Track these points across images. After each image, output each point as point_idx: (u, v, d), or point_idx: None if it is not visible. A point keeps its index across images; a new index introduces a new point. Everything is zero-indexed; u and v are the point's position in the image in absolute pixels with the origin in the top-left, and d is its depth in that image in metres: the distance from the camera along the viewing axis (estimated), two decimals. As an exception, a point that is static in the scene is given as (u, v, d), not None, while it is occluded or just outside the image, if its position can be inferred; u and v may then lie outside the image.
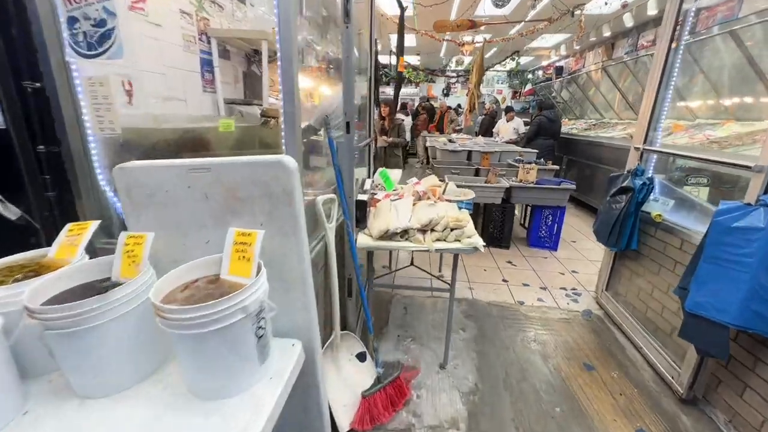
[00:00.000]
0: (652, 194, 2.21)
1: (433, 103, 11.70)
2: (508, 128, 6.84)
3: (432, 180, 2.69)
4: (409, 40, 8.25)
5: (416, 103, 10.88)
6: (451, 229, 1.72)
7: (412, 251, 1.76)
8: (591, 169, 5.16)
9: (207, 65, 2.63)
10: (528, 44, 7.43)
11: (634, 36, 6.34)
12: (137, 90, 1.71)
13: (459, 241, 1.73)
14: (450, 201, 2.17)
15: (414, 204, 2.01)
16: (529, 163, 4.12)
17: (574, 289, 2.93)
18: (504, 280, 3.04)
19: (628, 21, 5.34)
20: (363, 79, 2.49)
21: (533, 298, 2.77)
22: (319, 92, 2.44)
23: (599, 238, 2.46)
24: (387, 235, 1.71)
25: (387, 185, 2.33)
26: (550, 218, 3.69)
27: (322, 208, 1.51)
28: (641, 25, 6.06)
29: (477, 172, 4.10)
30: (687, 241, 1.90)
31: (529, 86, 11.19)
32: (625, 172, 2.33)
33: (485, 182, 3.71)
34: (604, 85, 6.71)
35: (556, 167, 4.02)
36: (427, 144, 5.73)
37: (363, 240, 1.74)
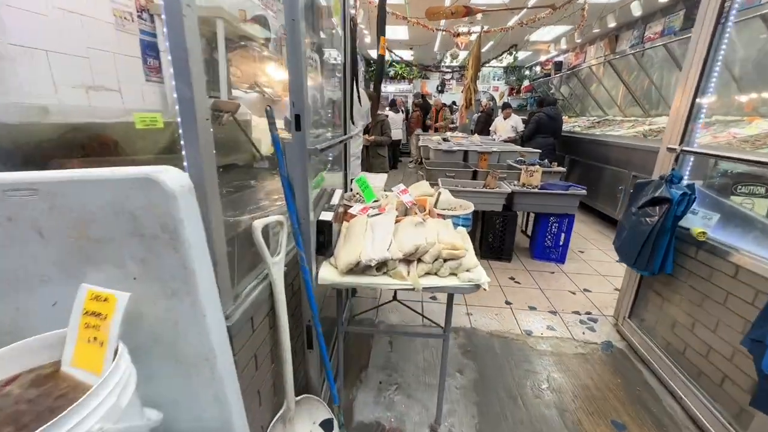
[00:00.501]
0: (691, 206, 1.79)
1: (428, 100, 11.28)
2: (505, 126, 6.43)
3: (422, 187, 2.26)
4: (401, 32, 7.80)
5: (410, 101, 10.44)
6: (445, 260, 1.29)
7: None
8: (596, 171, 4.76)
9: (150, 49, 2.15)
10: (527, 36, 7.02)
11: (640, 27, 5.95)
12: (10, 74, 1.25)
13: (455, 275, 1.29)
14: (443, 216, 1.73)
15: (398, 220, 1.57)
16: (532, 164, 3.70)
17: (588, 313, 2.51)
18: (507, 303, 2.62)
19: (636, 10, 4.94)
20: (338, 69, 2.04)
21: (542, 326, 2.34)
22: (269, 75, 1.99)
23: (623, 257, 2.04)
24: (358, 269, 1.26)
25: (366, 195, 1.89)
26: (556, 227, 3.28)
27: (261, 237, 1.06)
28: (648, 15, 5.67)
29: (474, 175, 3.67)
30: (746, 269, 1.48)
31: (526, 83, 10.80)
32: (657, 179, 1.91)
33: (484, 187, 3.28)
34: (607, 81, 6.32)
35: (563, 169, 3.61)
36: (420, 143, 5.29)
37: (327, 273, 1.29)
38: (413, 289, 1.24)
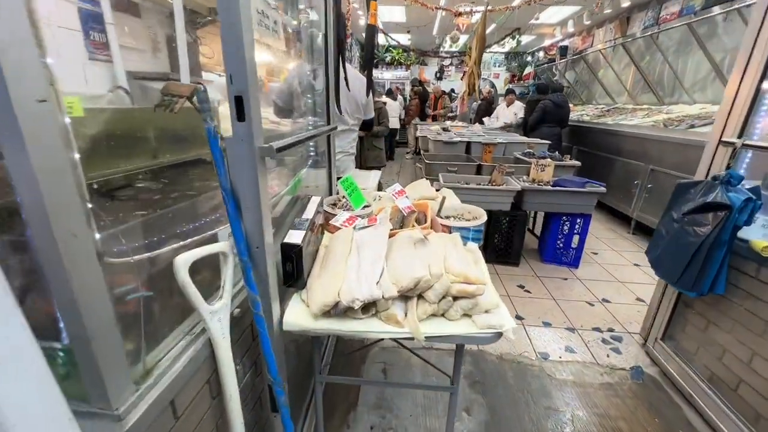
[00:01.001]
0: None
1: (426, 87, 10.81)
2: (507, 113, 6.05)
3: (422, 187, 1.91)
4: (398, 14, 7.31)
5: (407, 88, 9.96)
6: (455, 298, 0.95)
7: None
8: (608, 163, 4.42)
9: (94, 21, 1.76)
10: (532, 18, 6.57)
11: (654, 8, 5.53)
12: None
13: (469, 316, 0.96)
14: (449, 229, 1.38)
15: (392, 233, 1.23)
16: (543, 157, 3.35)
17: (611, 330, 2.20)
18: (518, 318, 2.30)
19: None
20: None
21: (560, 347, 2.03)
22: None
23: (662, 273, 1.72)
24: (338, 310, 0.93)
25: (353, 200, 1.54)
26: (568, 226, 2.95)
27: (188, 278, 0.72)
28: (665, -7, 5.25)
29: (479, 170, 3.31)
30: (836, 298, 1.16)
31: (528, 69, 10.35)
32: (709, 180, 1.57)
33: (489, 183, 2.93)
34: (617, 66, 5.93)
35: (578, 163, 3.26)
36: (418, 133, 4.91)
37: (296, 315, 0.96)
38: (412, 338, 0.91)
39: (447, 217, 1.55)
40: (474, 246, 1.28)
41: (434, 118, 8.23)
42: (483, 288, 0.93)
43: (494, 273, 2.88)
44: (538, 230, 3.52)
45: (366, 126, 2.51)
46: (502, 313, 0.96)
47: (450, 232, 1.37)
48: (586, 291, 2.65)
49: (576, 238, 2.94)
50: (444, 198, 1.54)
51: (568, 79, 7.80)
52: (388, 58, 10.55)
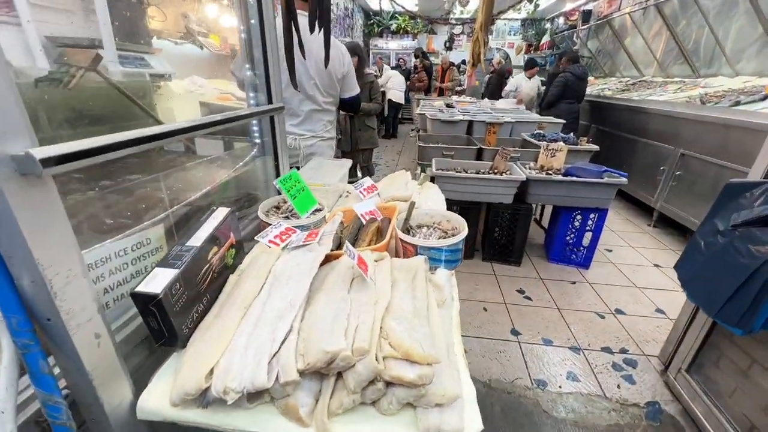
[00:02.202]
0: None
1: (433, 59, 10.08)
2: (530, 85, 5.49)
3: (399, 182, 1.55)
4: (402, -26, 6.61)
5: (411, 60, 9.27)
6: (388, 383, 0.62)
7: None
8: (629, 145, 3.91)
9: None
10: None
11: (696, -39, 4.76)
12: None
13: (413, 406, 0.63)
14: (414, 249, 1.03)
15: (332, 257, 0.89)
16: (554, 140, 2.90)
17: (624, 351, 1.86)
18: (515, 332, 1.97)
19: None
20: None
21: (561, 373, 1.71)
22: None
23: (696, 297, 1.35)
24: (207, 401, 0.61)
25: (299, 204, 1.19)
26: (580, 221, 2.55)
27: None
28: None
29: (480, 154, 2.90)
30: None
31: (546, 38, 9.49)
32: (774, 181, 1.17)
33: (490, 170, 2.53)
34: (647, 32, 5.23)
35: (595, 147, 2.81)
36: (418, 110, 4.45)
37: (160, 396, 0.64)
38: (322, 443, 0.59)
39: (418, 227, 1.20)
40: (443, 277, 0.94)
41: (441, 93, 7.64)
42: (431, 374, 0.59)
43: (491, 273, 2.54)
44: (546, 221, 3.13)
45: (348, 106, 2.09)
46: (465, 410, 0.62)
47: (416, 253, 1.03)
48: (597, 298, 2.29)
49: (588, 236, 2.56)
50: (413, 203, 1.17)
51: (590, 48, 7.05)
52: (393, 26, 9.80)
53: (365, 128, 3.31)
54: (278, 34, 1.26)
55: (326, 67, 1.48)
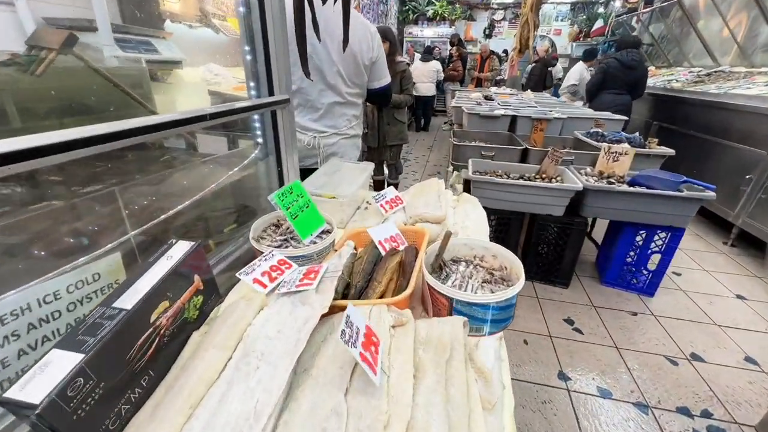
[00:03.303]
0: None
1: (470, 47, 9.48)
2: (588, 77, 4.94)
3: (429, 194, 1.26)
4: (442, -46, 6.13)
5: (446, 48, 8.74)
6: None
7: None
8: (705, 147, 3.33)
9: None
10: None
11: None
12: None
13: None
14: (447, 301, 0.74)
15: (338, 306, 0.63)
16: (617, 140, 2.46)
17: (707, 414, 1.48)
18: (562, 376, 1.64)
19: None
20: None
21: (624, 440, 1.37)
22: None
23: None
24: None
25: (300, 225, 0.93)
26: (643, 239, 2.13)
27: None
28: None
29: (524, 155, 2.52)
30: None
31: (599, 23, 8.61)
32: None
33: (538, 175, 2.16)
34: (727, 12, 4.47)
35: (670, 151, 2.34)
36: (453, 102, 4.07)
37: None
38: None
39: (454, 262, 0.90)
40: (491, 356, 0.65)
41: (479, 83, 7.13)
42: None
43: (533, 296, 2.19)
44: (598, 235, 2.71)
45: (377, 97, 1.79)
46: None
47: (450, 307, 0.74)
48: (665, 337, 1.88)
49: (656, 259, 2.13)
50: (448, 234, 0.87)
51: (653, 33, 6.25)
52: (429, 12, 9.29)
53: (394, 122, 3.00)
54: (288, 7, 1.00)
55: (344, 50, 1.20)
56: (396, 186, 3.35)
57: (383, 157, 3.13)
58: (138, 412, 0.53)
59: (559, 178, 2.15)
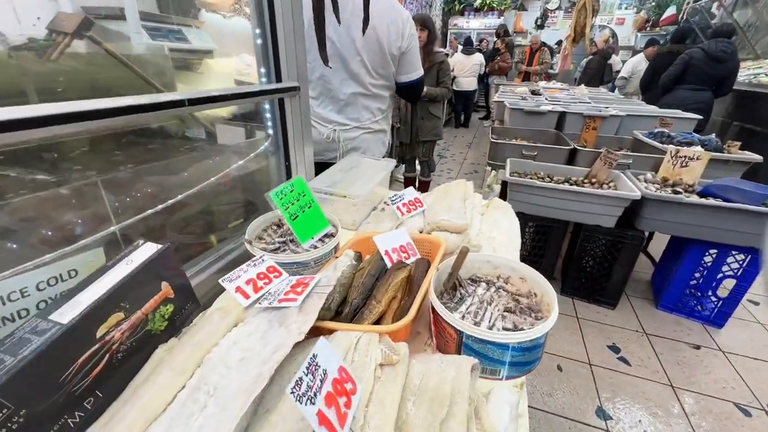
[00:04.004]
0: None
1: (520, 39, 8.93)
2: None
3: (453, 197, 1.11)
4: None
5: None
6: None
7: None
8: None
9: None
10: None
11: None
12: None
13: None
14: (456, 334, 0.60)
15: (325, 328, 0.52)
16: (686, 143, 2.12)
17: (789, 485, 1.20)
18: (601, 413, 1.42)
19: None
20: None
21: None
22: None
23: None
24: None
25: (299, 227, 0.84)
26: (713, 260, 1.81)
27: None
28: None
29: (572, 157, 2.25)
30: None
31: (671, 11, 7.70)
32: None
33: (587, 179, 1.91)
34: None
35: (756, 157, 1.96)
36: (496, 97, 3.80)
37: None
38: None
39: (472, 282, 0.75)
40: (504, 411, 0.50)
41: (526, 77, 6.67)
42: None
43: (572, 315, 1.95)
44: (656, 249, 2.37)
45: (406, 91, 1.63)
46: None
47: (459, 344, 0.60)
48: (737, 380, 1.58)
49: (729, 285, 1.80)
50: (464, 251, 0.72)
51: (738, 20, 5.44)
52: (477, 2, 8.86)
53: (429, 116, 2.84)
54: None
55: (364, 33, 1.08)
56: (428, 185, 3.19)
57: (416, 153, 2.99)
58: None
59: (612, 184, 1.89)
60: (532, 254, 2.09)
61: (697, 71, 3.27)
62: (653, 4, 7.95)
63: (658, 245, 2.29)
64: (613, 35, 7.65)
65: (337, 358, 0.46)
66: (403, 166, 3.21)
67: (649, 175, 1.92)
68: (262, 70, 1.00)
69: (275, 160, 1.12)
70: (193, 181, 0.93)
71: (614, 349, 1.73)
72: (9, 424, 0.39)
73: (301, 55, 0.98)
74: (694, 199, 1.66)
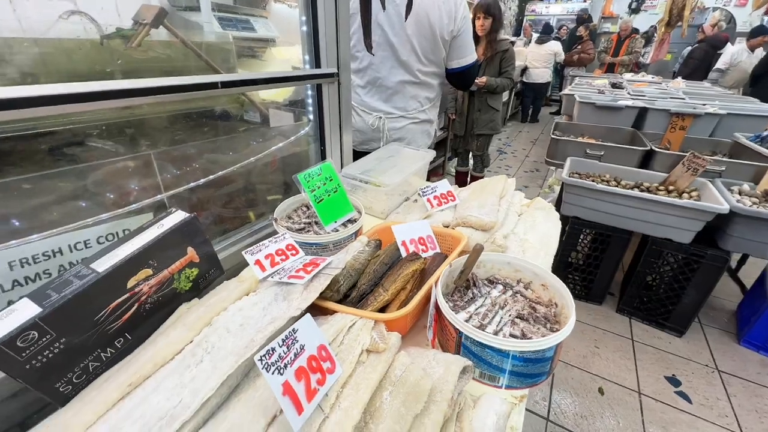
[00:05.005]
0: None
1: (609, 25, 7.98)
2: (752, 63, 3.74)
3: (492, 191, 1.06)
4: None
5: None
6: None
7: None
8: None
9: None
10: None
11: None
12: None
13: None
14: (455, 333, 0.58)
15: (328, 308, 0.55)
16: (806, 150, 1.73)
17: None
18: (643, 451, 1.26)
19: None
20: None
21: None
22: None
23: None
24: None
25: (324, 210, 0.86)
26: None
27: None
28: None
29: (648, 159, 1.98)
30: None
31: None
32: None
33: (664, 186, 1.68)
34: None
35: None
36: (567, 89, 3.47)
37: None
38: None
39: (490, 283, 0.70)
40: (489, 419, 0.47)
41: (610, 69, 5.97)
42: None
43: (627, 336, 1.75)
44: (749, 276, 2.01)
45: (456, 78, 1.55)
46: None
47: (458, 344, 0.58)
48: (838, 444, 1.29)
49: (844, 328, 1.46)
50: (479, 249, 0.67)
51: None
52: (560, -14, 8.08)
53: (486, 108, 2.70)
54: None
55: (406, 18, 1.06)
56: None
57: (470, 146, 2.87)
58: (105, 371, 0.54)
59: (694, 193, 1.63)
60: (586, 264, 1.90)
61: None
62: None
63: (751, 270, 1.93)
64: (729, 18, 6.46)
65: (320, 336, 0.47)
66: (456, 159, 3.11)
67: (746, 186, 1.62)
68: (306, 57, 1.03)
69: (315, 145, 1.17)
70: (240, 160, 1.01)
71: (674, 381, 1.52)
72: (51, 348, 0.48)
73: (343, 42, 1.00)
74: (804, 219, 1.36)
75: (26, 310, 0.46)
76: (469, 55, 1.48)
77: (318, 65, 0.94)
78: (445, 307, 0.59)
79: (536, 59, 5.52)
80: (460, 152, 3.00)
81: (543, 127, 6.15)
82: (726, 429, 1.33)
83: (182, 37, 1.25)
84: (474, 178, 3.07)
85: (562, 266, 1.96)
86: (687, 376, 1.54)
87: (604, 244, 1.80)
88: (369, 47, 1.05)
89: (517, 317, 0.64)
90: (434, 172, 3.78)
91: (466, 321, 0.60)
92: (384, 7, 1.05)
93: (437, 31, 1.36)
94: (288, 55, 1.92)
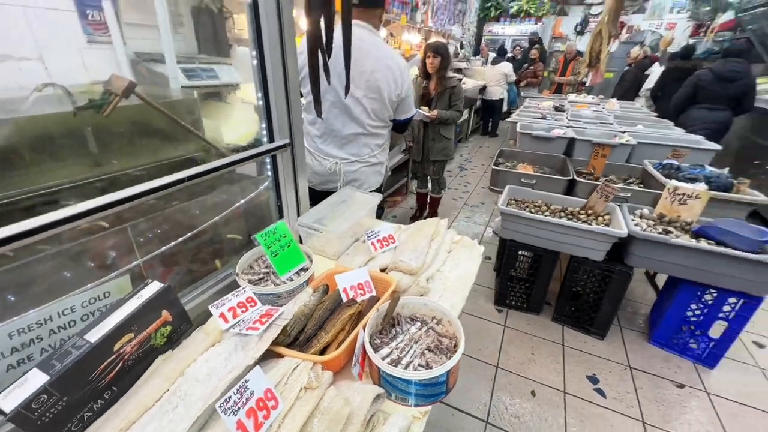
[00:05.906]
0: None
1: (559, 45, 8.67)
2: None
3: (423, 235, 1.27)
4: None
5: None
6: None
7: None
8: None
9: (89, -2, 1.58)
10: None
11: None
12: None
13: None
14: (374, 364, 0.77)
15: (279, 354, 0.72)
16: (692, 178, 2.09)
17: None
18: (563, 443, 1.51)
19: None
20: None
21: None
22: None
23: None
24: None
25: (279, 262, 1.03)
26: (711, 300, 1.79)
27: None
28: None
29: (571, 187, 2.29)
30: None
31: (728, 16, 7.12)
32: None
33: (584, 210, 1.97)
34: None
35: (760, 200, 1.91)
36: (514, 115, 3.82)
37: None
38: None
39: (411, 320, 0.90)
40: (392, 434, 0.66)
41: (559, 89, 6.51)
42: None
43: (559, 342, 2.01)
44: (662, 282, 2.35)
45: (398, 127, 1.81)
46: None
47: (379, 375, 0.77)
48: (715, 424, 1.59)
49: (720, 327, 1.79)
50: (396, 297, 0.87)
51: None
52: (513, 8, 8.70)
53: (439, 138, 2.96)
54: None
55: (346, 96, 1.26)
56: (438, 201, 3.31)
57: (427, 171, 3.12)
58: (97, 419, 0.68)
59: (607, 217, 1.93)
60: (525, 279, 2.17)
61: (708, 92, 3.28)
62: (708, 8, 7.40)
63: (665, 276, 2.27)
64: (656, 44, 7.23)
65: (267, 383, 0.64)
66: (416, 181, 3.36)
67: (645, 211, 1.94)
68: (263, 125, 1.21)
69: (274, 193, 1.33)
70: (209, 213, 1.16)
71: (593, 379, 1.79)
72: (57, 406, 0.62)
73: (295, 113, 1.18)
74: (682, 240, 1.67)
75: (36, 379, 0.61)
76: (411, 110, 1.74)
77: (272, 139, 1.12)
78: (368, 348, 0.78)
79: (491, 78, 5.95)
80: (419, 176, 3.25)
81: (501, 142, 6.58)
82: (631, 418, 1.60)
83: (153, 103, 1.39)
84: (432, 199, 3.33)
85: (505, 281, 2.22)
86: (604, 374, 1.81)
87: (537, 262, 2.07)
88: (319, 113, 1.23)
89: (426, 349, 0.83)
90: (399, 192, 4.02)
91: (388, 355, 0.79)
92: (329, 82, 1.24)
93: (386, 96, 1.58)
94: (251, 96, 2.08)
